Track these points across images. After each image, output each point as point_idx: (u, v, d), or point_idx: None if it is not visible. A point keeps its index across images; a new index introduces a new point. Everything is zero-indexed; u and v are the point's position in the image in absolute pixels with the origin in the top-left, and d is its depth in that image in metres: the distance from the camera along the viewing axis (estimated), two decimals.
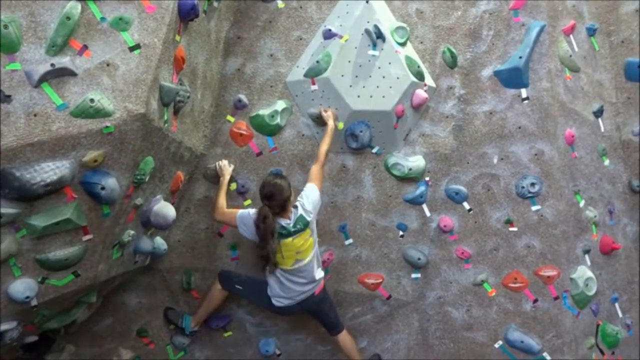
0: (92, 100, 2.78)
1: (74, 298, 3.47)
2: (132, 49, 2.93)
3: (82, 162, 2.84)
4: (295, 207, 3.77)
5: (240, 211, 3.84)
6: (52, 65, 2.72)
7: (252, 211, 3.79)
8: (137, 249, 3.71)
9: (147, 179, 3.31)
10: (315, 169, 3.91)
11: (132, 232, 3.50)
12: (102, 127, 2.83)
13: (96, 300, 3.76)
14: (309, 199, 3.80)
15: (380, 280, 4.43)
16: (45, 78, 2.72)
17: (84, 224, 3.01)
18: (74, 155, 2.82)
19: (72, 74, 2.79)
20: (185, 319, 4.31)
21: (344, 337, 4.26)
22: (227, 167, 4.11)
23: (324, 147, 3.96)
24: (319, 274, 3.99)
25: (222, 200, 3.96)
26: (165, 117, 3.30)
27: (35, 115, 2.70)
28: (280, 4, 4.18)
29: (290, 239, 3.73)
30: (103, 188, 2.94)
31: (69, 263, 3.08)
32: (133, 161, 3.10)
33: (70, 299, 3.43)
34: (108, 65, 2.87)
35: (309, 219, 3.78)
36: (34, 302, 3.02)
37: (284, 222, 3.74)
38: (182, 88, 3.46)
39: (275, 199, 3.67)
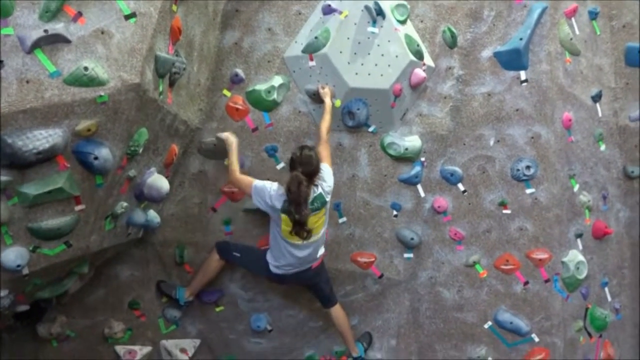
0: (85, 69, 2.74)
1: (65, 268, 3.47)
2: (127, 17, 2.88)
3: (75, 131, 2.81)
4: (316, 185, 3.75)
5: (257, 182, 3.80)
6: (46, 31, 2.67)
7: (271, 185, 3.77)
8: (130, 221, 3.70)
9: (141, 151, 3.29)
10: (322, 149, 3.89)
11: (125, 204, 3.49)
12: (96, 96, 2.79)
13: (88, 271, 3.76)
14: (326, 182, 3.81)
15: (373, 259, 4.45)
16: (38, 44, 2.67)
17: (77, 194, 3.00)
18: (67, 123, 2.79)
19: (66, 40, 2.74)
20: (178, 290, 4.32)
21: (337, 311, 4.30)
22: (230, 135, 4.02)
23: (325, 124, 3.94)
24: (321, 251, 4.04)
25: (236, 164, 3.90)
26: (161, 89, 3.27)
27: (27, 81, 2.66)
28: None
29: None
30: (96, 158, 2.92)
31: (61, 232, 3.07)
32: (127, 132, 3.07)
33: (61, 269, 3.43)
34: (103, 33, 2.83)
35: (327, 199, 3.80)
36: (25, 271, 3.02)
37: None
38: (178, 59, 3.41)
39: (309, 168, 3.66)
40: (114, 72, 2.84)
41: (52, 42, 2.71)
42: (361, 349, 4.45)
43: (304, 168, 3.63)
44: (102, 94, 2.80)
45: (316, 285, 4.21)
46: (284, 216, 3.71)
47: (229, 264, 4.28)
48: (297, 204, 3.59)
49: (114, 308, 4.47)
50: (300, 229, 3.67)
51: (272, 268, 4.01)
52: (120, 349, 4.51)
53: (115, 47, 2.85)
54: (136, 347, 4.52)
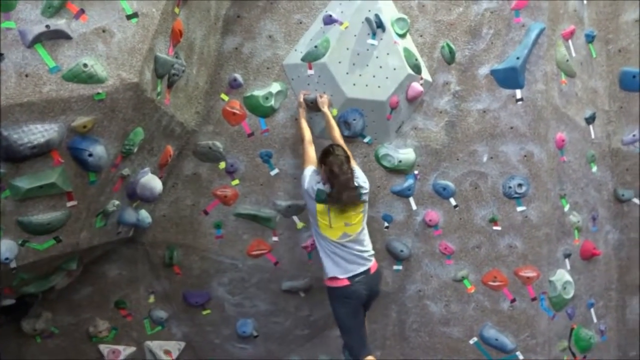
0: (85, 65, 2.76)
1: (54, 264, 3.46)
2: (129, 17, 2.91)
3: (71, 127, 2.83)
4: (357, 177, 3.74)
5: (310, 167, 3.81)
6: (47, 26, 2.69)
7: (308, 170, 3.78)
8: (121, 219, 3.70)
9: (135, 150, 3.30)
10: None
11: (117, 202, 3.49)
12: (94, 93, 2.81)
13: (76, 268, 3.75)
14: (360, 178, 3.79)
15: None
16: (39, 39, 2.69)
17: (69, 190, 3.00)
18: (64, 119, 2.80)
19: (67, 37, 2.76)
20: None
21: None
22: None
23: (336, 132, 3.99)
24: (370, 250, 3.88)
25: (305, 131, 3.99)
26: (159, 89, 3.28)
27: (26, 75, 2.68)
28: None
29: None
30: (91, 155, 2.93)
31: (51, 228, 3.07)
32: (123, 130, 3.08)
33: (50, 264, 3.43)
34: (104, 31, 2.85)
35: (364, 192, 3.76)
36: (13, 264, 3.01)
37: None
38: (177, 61, 3.43)
39: (344, 153, 3.69)
40: (113, 71, 2.86)
41: (53, 37, 2.73)
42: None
43: (339, 152, 3.67)
44: (100, 91, 2.82)
45: (374, 296, 3.94)
46: (319, 207, 3.67)
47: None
48: (344, 186, 3.57)
49: (100, 306, 4.45)
50: (349, 205, 3.62)
51: (330, 273, 3.75)
52: (104, 348, 4.49)
53: (115, 46, 2.87)
54: (120, 347, 4.51)
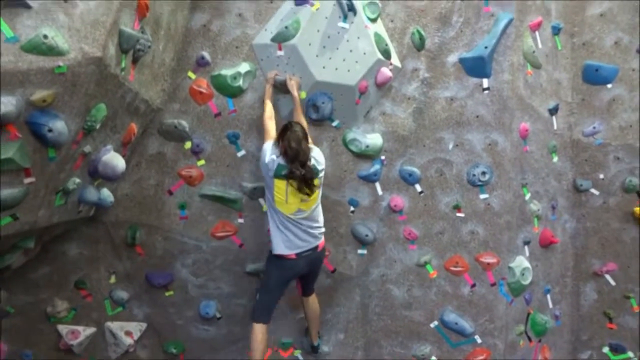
0: (45, 37, 2.65)
1: (10, 242, 3.36)
2: None
3: (30, 100, 2.72)
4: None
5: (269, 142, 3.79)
6: None
7: (269, 145, 3.75)
8: (82, 198, 3.60)
9: (98, 127, 3.21)
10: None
11: (77, 180, 3.39)
12: (54, 66, 2.71)
13: (34, 247, 3.65)
14: (317, 158, 3.79)
15: (327, 254, 4.47)
16: None
17: (27, 166, 2.89)
18: (22, 92, 2.69)
19: (26, 6, 2.64)
20: None
21: (315, 300, 4.27)
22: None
23: (302, 118, 4.00)
24: (320, 227, 3.92)
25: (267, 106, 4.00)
26: (123, 65, 3.19)
27: None
28: None
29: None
30: (50, 130, 2.83)
31: (8, 205, 2.95)
32: (85, 106, 2.99)
33: (6, 242, 3.32)
34: (66, 1, 2.74)
35: (319, 168, 3.76)
36: None
37: None
38: (143, 36, 3.34)
39: (302, 132, 3.69)
40: (75, 43, 2.75)
41: (11, 6, 2.60)
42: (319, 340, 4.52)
43: (297, 128, 3.68)
44: (61, 64, 2.72)
45: (315, 272, 4.12)
46: (277, 181, 3.67)
47: (267, 322, 3.94)
48: (303, 163, 3.60)
49: (59, 286, 4.36)
50: (306, 185, 3.63)
51: (277, 249, 3.82)
52: (62, 329, 4.41)
53: (78, 18, 2.77)
54: (80, 328, 4.43)
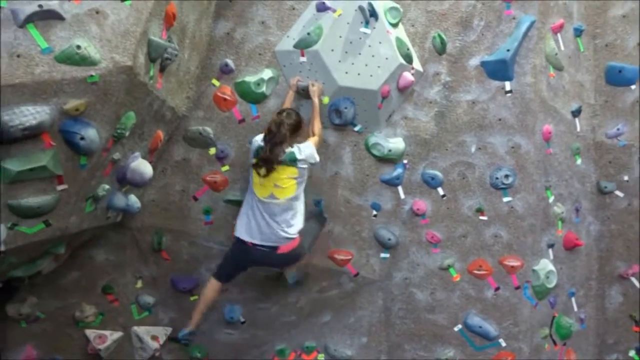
0: (78, 47, 2.72)
1: (42, 247, 3.43)
2: None
3: (63, 109, 2.79)
4: (292, 146, 3.79)
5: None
6: (40, 6, 2.65)
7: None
8: (111, 204, 3.67)
9: (127, 134, 3.27)
10: (315, 139, 3.97)
11: (107, 186, 3.46)
12: (87, 75, 2.77)
13: (64, 252, 3.72)
14: (303, 151, 3.81)
15: (350, 257, 4.49)
16: (31, 19, 2.64)
17: (60, 173, 2.97)
18: (56, 101, 2.76)
19: (60, 17, 2.72)
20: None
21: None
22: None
23: (317, 126, 4.02)
24: (291, 230, 3.88)
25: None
26: (151, 73, 3.25)
27: (18, 56, 2.63)
28: None
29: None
30: (82, 138, 2.90)
31: (41, 211, 3.03)
32: (115, 114, 3.05)
33: (38, 248, 3.39)
34: (97, 13, 2.81)
35: (298, 157, 3.77)
36: (2, 248, 2.97)
37: None
38: (170, 45, 3.40)
39: (291, 118, 3.79)
40: (106, 53, 2.82)
41: (45, 17, 2.68)
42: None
43: (285, 117, 3.76)
44: (93, 74, 2.78)
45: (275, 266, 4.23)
46: (256, 161, 3.78)
47: (225, 284, 4.12)
48: (273, 145, 3.68)
49: (87, 291, 4.42)
50: (264, 163, 3.69)
51: (238, 231, 3.91)
52: (90, 333, 4.46)
53: (109, 28, 2.83)
54: (107, 332, 4.48)
